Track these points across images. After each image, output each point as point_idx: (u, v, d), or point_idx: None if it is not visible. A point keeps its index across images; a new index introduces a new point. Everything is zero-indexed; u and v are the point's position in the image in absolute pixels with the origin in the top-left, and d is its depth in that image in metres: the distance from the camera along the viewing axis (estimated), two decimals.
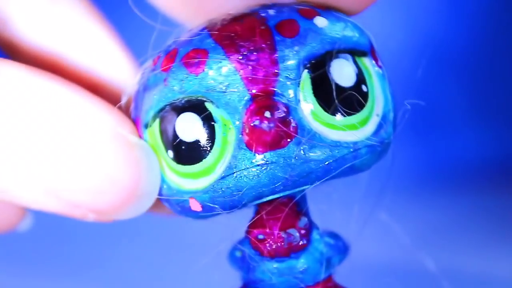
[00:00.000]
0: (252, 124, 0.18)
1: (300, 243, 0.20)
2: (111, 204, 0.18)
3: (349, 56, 0.19)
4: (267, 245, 0.20)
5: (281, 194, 0.19)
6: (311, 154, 0.18)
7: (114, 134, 0.18)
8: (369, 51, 0.20)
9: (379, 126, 0.19)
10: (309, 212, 0.20)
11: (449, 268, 0.40)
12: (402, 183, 0.60)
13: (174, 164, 0.19)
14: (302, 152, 0.18)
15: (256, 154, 0.18)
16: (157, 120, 0.19)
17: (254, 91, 0.18)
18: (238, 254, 0.20)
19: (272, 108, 0.18)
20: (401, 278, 0.39)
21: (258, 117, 0.18)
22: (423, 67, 0.61)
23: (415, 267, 0.40)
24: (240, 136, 0.18)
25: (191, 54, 0.18)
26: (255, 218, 0.20)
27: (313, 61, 0.18)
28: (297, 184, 0.18)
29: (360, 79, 0.19)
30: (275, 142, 0.18)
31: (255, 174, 0.18)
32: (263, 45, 0.18)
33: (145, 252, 0.42)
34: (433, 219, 0.52)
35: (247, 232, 0.20)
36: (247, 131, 0.18)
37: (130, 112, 0.20)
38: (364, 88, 0.19)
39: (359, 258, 0.41)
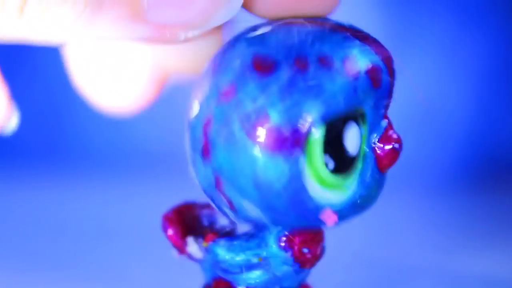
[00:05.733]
0: (394, 146, 0.19)
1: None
2: (200, 12, 0.16)
3: None
4: (312, 259, 0.20)
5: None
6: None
7: None
8: None
9: None
10: None
11: (449, 268, 0.40)
12: (402, 183, 0.60)
13: (325, 173, 0.18)
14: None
15: (382, 174, 0.19)
16: (324, 126, 0.18)
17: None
18: (255, 260, 0.20)
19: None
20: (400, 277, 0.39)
21: (398, 141, 0.19)
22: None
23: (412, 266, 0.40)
24: (371, 154, 0.19)
25: (374, 69, 0.18)
26: (294, 231, 0.20)
27: None
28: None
29: None
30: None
31: (375, 193, 0.19)
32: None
33: (146, 252, 0.42)
34: (433, 218, 0.52)
35: (287, 244, 0.20)
36: (385, 150, 0.19)
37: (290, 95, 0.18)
38: None
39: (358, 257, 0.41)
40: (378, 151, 0.19)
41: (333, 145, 0.18)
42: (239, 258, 0.20)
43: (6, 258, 0.43)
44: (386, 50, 0.19)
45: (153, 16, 0.16)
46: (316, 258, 0.20)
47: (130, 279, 0.39)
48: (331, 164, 0.18)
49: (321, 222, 0.18)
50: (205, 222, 0.22)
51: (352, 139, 0.18)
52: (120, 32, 0.16)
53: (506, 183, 0.61)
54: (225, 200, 0.18)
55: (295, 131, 0.17)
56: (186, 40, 0.17)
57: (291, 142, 0.17)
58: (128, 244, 0.45)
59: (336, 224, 0.18)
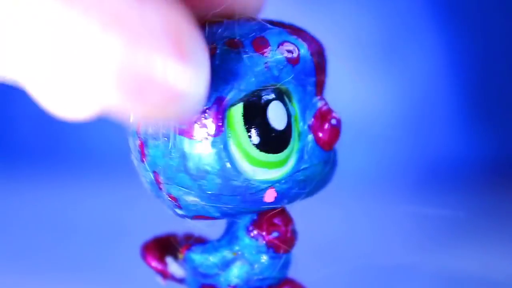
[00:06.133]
0: (331, 123, 0.19)
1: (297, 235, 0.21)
2: (153, 102, 0.16)
3: None
4: (284, 241, 0.20)
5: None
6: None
7: (166, 30, 0.15)
8: None
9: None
10: None
11: (448, 268, 0.40)
12: (400, 183, 0.60)
13: (254, 151, 0.18)
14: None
15: (325, 151, 0.19)
16: (241, 105, 0.18)
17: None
18: (229, 256, 0.20)
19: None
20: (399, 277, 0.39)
21: (334, 117, 0.19)
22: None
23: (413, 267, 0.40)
24: (309, 132, 0.19)
25: (286, 44, 0.19)
26: (260, 217, 0.20)
27: None
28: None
29: None
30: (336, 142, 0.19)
31: (321, 169, 0.19)
32: (324, 64, 0.19)
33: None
34: (431, 219, 0.52)
35: (254, 232, 0.20)
36: (323, 129, 0.19)
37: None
38: None
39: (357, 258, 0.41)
40: (316, 129, 0.19)
41: (257, 122, 0.18)
42: (214, 257, 0.20)
43: (5, 258, 0.44)
44: (313, 38, 0.19)
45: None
46: (288, 240, 0.20)
47: (130, 279, 0.39)
48: (256, 140, 0.18)
49: (265, 202, 0.19)
50: (182, 244, 0.22)
51: (275, 114, 0.18)
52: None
53: (504, 183, 0.61)
54: (169, 198, 0.19)
55: (213, 114, 0.18)
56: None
57: (211, 125, 0.18)
58: (128, 243, 0.46)
59: (276, 200, 0.19)
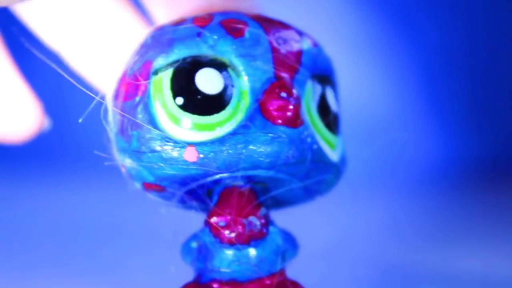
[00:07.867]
0: (280, 95, 0.19)
1: (260, 232, 0.20)
2: None
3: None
4: (229, 231, 0.20)
5: (270, 174, 0.19)
6: (312, 145, 0.19)
7: None
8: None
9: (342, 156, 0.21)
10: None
11: (447, 268, 0.40)
12: (398, 184, 0.60)
13: (179, 111, 0.19)
14: (308, 139, 0.19)
15: (273, 124, 0.19)
16: (171, 70, 0.19)
17: (279, 72, 0.19)
18: (194, 245, 0.21)
19: (295, 90, 0.19)
20: (400, 277, 0.39)
21: (286, 91, 0.19)
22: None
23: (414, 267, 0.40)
24: (257, 105, 0.19)
25: (232, 20, 0.19)
26: (215, 206, 0.20)
27: (315, 76, 0.20)
28: (287, 170, 0.19)
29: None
30: (293, 120, 0.19)
31: (265, 141, 0.19)
32: (296, 40, 0.20)
33: (142, 249, 0.42)
34: (430, 219, 0.52)
35: (208, 219, 0.20)
36: (271, 101, 0.19)
37: (138, 54, 0.20)
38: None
39: (358, 256, 0.41)
40: (263, 101, 0.19)
41: (182, 85, 0.19)
42: (187, 246, 0.21)
43: (5, 258, 0.44)
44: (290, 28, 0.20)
45: None
46: (234, 232, 0.20)
47: (129, 278, 0.39)
48: (180, 101, 0.19)
49: (188, 163, 0.19)
50: None
51: (205, 79, 0.19)
52: None
53: (506, 183, 0.61)
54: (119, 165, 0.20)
55: (139, 77, 0.19)
56: None
57: (137, 87, 0.19)
58: (125, 242, 0.46)
59: (201, 161, 0.19)
